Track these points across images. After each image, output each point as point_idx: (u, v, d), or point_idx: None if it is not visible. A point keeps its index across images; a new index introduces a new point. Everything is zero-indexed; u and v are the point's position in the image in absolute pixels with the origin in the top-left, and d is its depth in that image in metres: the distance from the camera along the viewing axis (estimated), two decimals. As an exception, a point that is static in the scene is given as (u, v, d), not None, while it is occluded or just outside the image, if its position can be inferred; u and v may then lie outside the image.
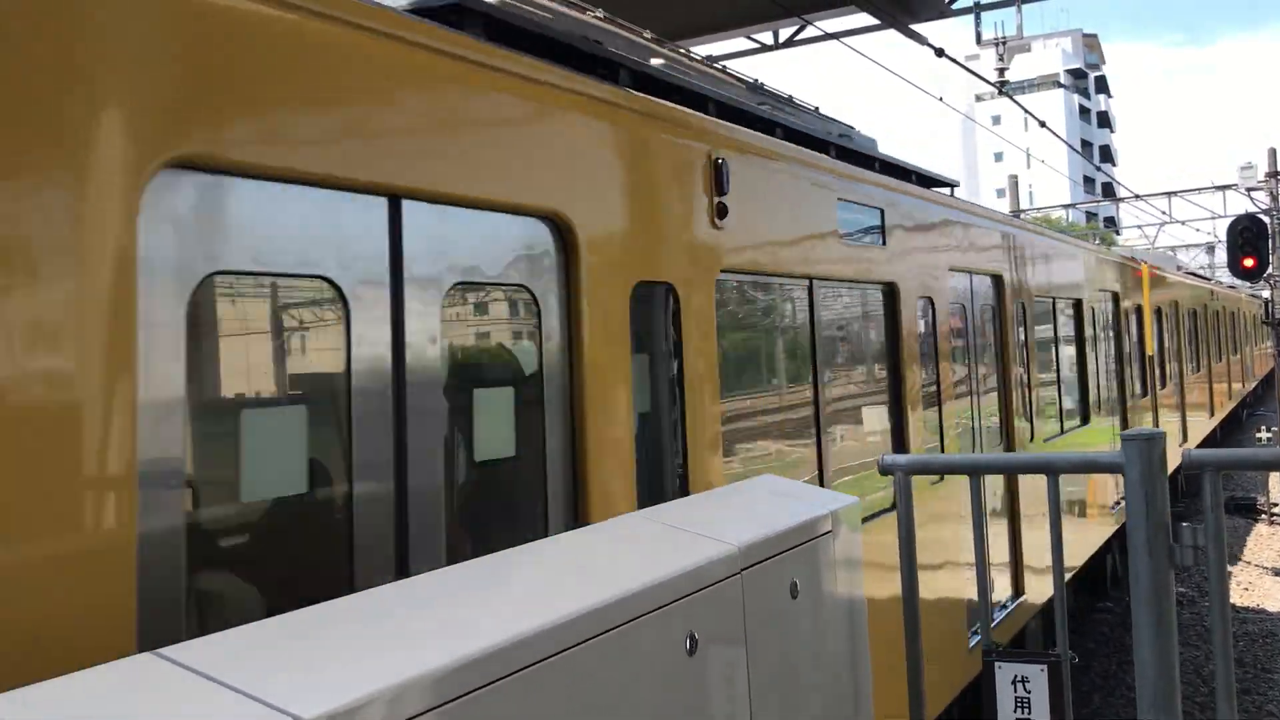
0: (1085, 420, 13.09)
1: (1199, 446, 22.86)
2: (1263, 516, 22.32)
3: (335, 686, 1.97)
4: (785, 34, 15.83)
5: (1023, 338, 10.64)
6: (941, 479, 7.31)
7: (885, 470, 4.15)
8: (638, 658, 2.77)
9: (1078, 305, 13.20)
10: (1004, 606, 9.24)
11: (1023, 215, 33.10)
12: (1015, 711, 3.92)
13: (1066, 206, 46.19)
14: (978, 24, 16.87)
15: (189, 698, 1.90)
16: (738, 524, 3.56)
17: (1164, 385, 19.03)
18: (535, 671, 2.37)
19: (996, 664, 3.93)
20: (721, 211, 5.41)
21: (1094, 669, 12.94)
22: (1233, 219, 22.86)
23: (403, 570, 3.45)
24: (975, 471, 4.06)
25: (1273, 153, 28.86)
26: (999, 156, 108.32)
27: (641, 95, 4.99)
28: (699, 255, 5.20)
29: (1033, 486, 9.68)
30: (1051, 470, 3.98)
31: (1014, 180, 40.17)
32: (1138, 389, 16.64)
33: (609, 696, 2.63)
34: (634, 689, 2.74)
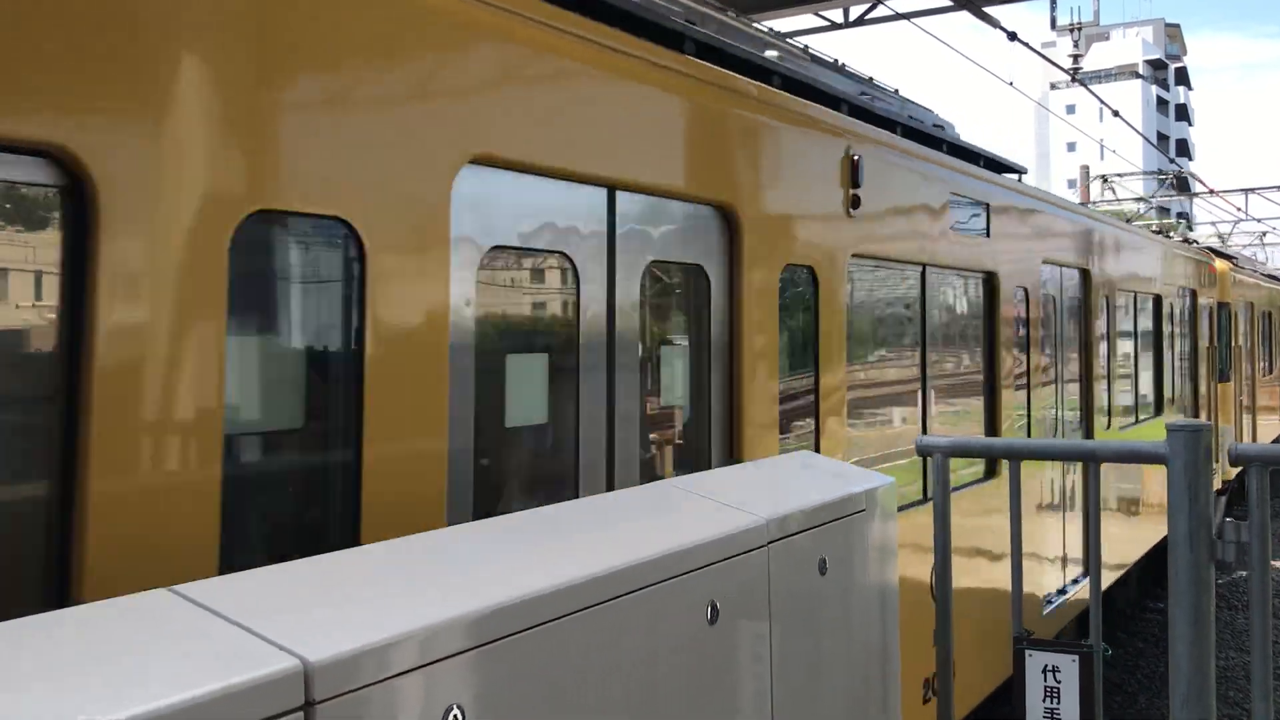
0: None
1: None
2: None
3: (344, 631, 1.99)
4: (855, 12, 15.62)
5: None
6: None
7: (923, 451, 4.10)
8: (658, 622, 2.76)
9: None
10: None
11: (1092, 206, 32.39)
12: (1044, 700, 3.86)
13: (1139, 200, 45.23)
14: (1053, 8, 16.61)
15: (196, 632, 1.92)
16: (769, 497, 3.53)
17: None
18: (554, 627, 2.37)
19: (1027, 651, 3.87)
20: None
21: (1142, 669, 12.73)
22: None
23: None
24: (1014, 456, 3.99)
25: (1356, 151, 28.08)
26: (1072, 146, 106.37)
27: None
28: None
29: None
30: (1094, 458, 3.90)
31: (1085, 170, 39.41)
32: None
33: (627, 657, 2.63)
34: (653, 652, 2.73)
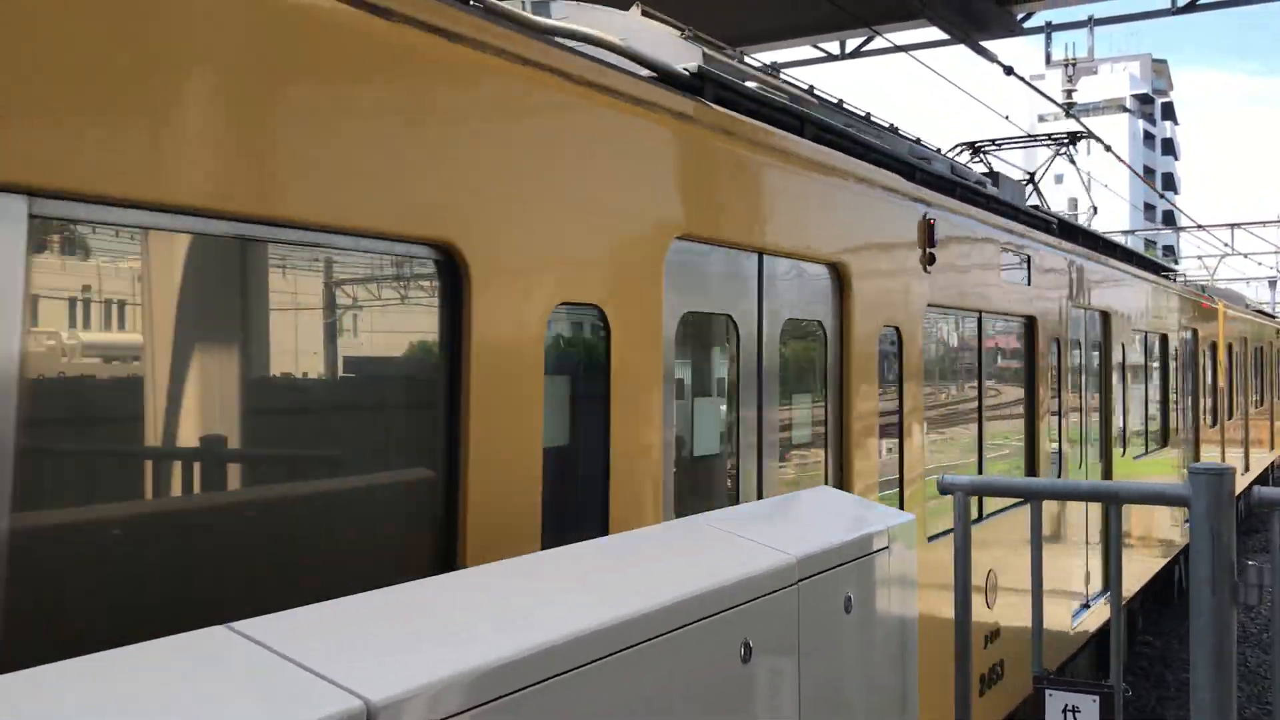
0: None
1: (1259, 479, 23.39)
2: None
3: (404, 671, 1.98)
4: (852, 44, 15.75)
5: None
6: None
7: (945, 490, 4.11)
8: (694, 662, 2.76)
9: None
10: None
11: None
12: (1064, 741, 3.87)
13: (1126, 233, 45.54)
14: (1048, 44, 16.72)
15: (257, 673, 1.91)
16: (795, 535, 3.54)
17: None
18: (590, 671, 2.37)
19: (1048, 691, 3.88)
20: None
21: (1134, 703, 12.75)
22: (1298, 254, 22.59)
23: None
24: (1035, 496, 4.01)
25: (1343, 189, 28.36)
26: (1059, 179, 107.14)
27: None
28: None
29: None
30: (1116, 500, 3.92)
31: (1074, 202, 39.66)
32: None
33: (664, 699, 2.63)
34: (688, 693, 2.73)
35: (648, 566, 2.99)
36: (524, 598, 2.57)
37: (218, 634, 2.05)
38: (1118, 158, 20.92)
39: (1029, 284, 9.08)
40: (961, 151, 16.25)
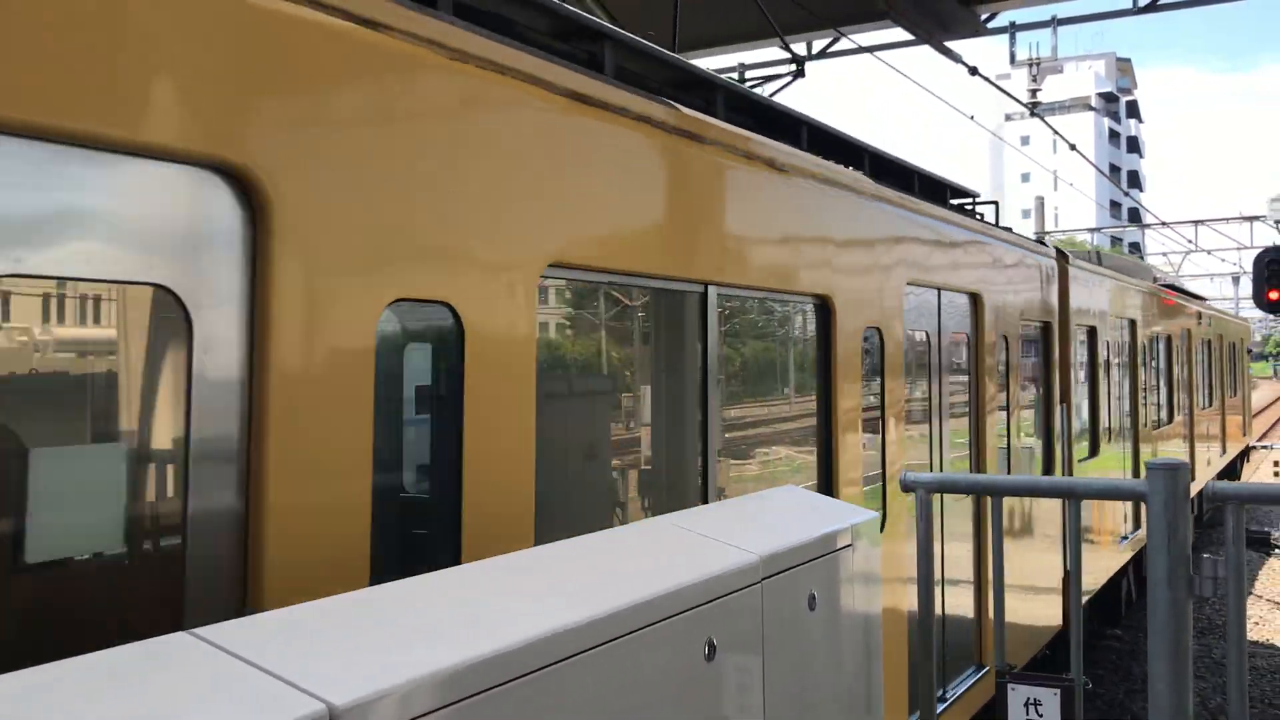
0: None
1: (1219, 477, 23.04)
2: (1276, 551, 22.19)
3: (367, 674, 2.00)
4: (818, 45, 15.82)
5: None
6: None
7: (907, 487, 4.16)
8: (658, 662, 2.79)
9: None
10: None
11: (1048, 238, 32.33)
12: (1026, 734, 3.92)
13: (1092, 230, 45.99)
14: (1012, 43, 16.84)
15: (220, 678, 1.93)
16: (760, 534, 3.58)
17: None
18: (557, 670, 2.40)
19: (1010, 686, 3.93)
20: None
21: (1101, 696, 12.88)
22: (1260, 251, 22.76)
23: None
24: (995, 493, 4.07)
25: (1303, 186, 28.66)
26: (1026, 177, 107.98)
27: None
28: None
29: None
30: (1073, 495, 3.98)
31: (1040, 201, 40.04)
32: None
33: (628, 699, 2.66)
34: (653, 693, 2.76)
35: (612, 567, 3.02)
36: (489, 599, 2.59)
37: (181, 640, 2.06)
38: (1083, 156, 21.12)
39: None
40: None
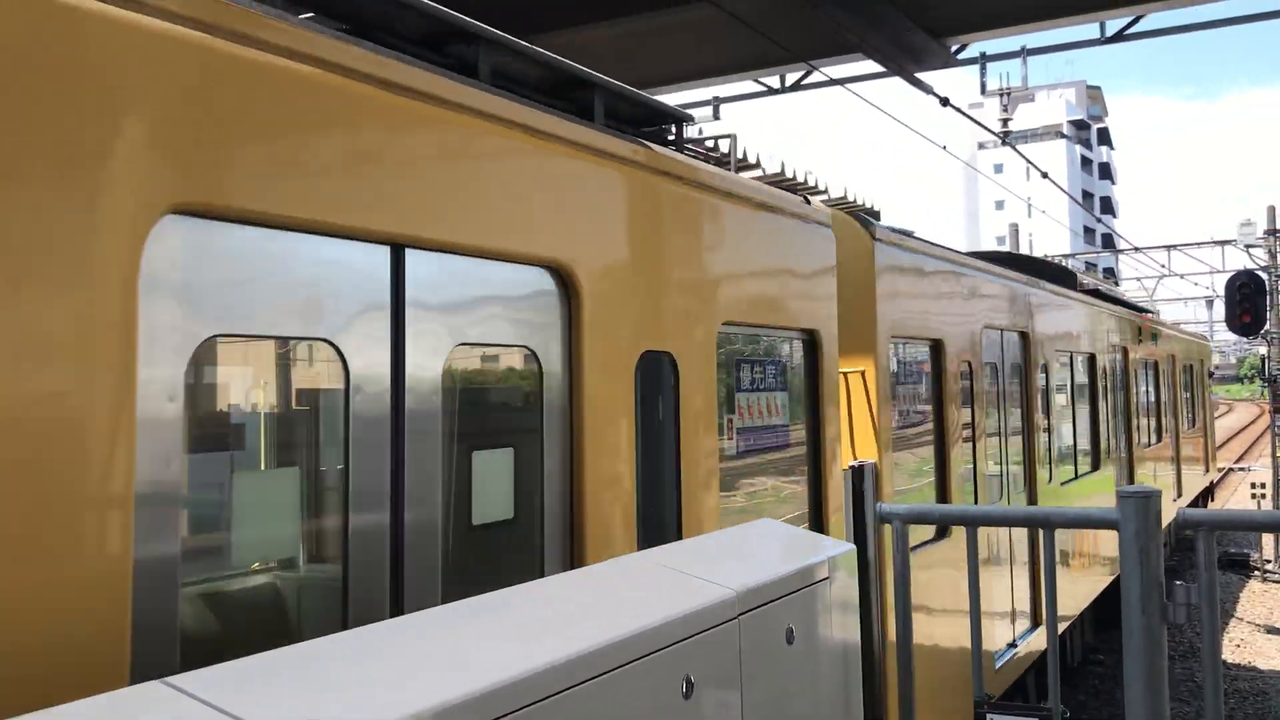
0: (1159, 439, 18.43)
1: (1193, 504, 22.21)
2: (1255, 573, 22.30)
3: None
4: (792, 78, 15.99)
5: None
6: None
7: (883, 519, 4.19)
8: (635, 700, 2.79)
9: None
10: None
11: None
12: (1006, 764, 3.93)
13: (1066, 256, 46.39)
14: (983, 74, 17.03)
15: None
16: (737, 569, 3.59)
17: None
18: (534, 711, 2.40)
19: (989, 716, 3.95)
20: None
21: (1085, 722, 12.89)
22: (1231, 275, 23.00)
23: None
24: (969, 523, 4.09)
25: (1271, 210, 29.05)
26: (1000, 204, 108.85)
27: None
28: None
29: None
30: (1047, 524, 4.01)
31: (1014, 228, 40.44)
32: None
33: (606, 737, 2.66)
34: (631, 730, 2.76)
35: (589, 605, 3.02)
36: (465, 641, 2.59)
37: (152, 689, 2.06)
38: (1055, 184, 21.34)
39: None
40: None
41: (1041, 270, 14.12)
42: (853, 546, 4.13)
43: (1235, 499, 31.01)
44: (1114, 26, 13.29)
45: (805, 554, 3.92)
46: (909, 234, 8.46)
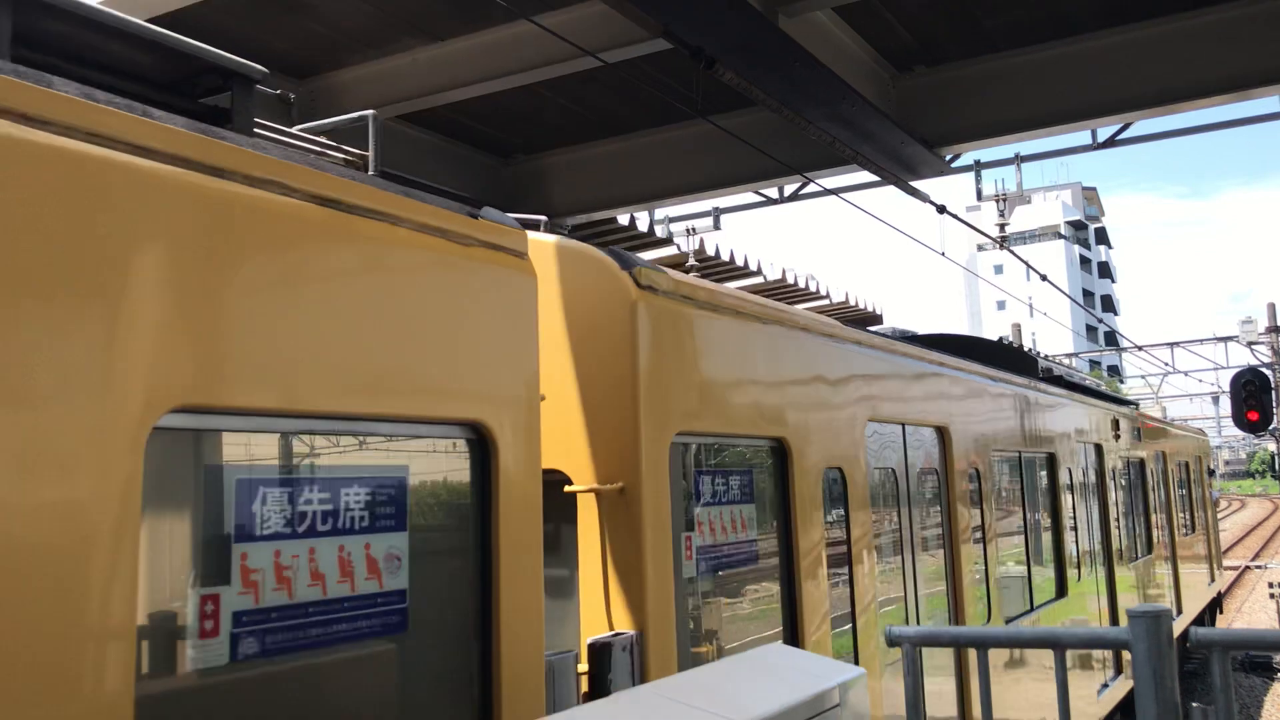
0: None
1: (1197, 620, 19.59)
2: (1279, 676, 21.84)
3: None
4: (790, 189, 16.24)
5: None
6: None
7: (893, 641, 4.13)
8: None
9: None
10: None
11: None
12: None
13: (1070, 355, 46.52)
14: (978, 181, 17.31)
15: None
16: (744, 700, 3.53)
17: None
18: None
19: (1008, 846, 3.83)
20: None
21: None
22: (1236, 371, 23.03)
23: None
24: (982, 645, 4.04)
25: (1272, 308, 29.23)
26: (1001, 305, 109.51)
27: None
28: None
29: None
30: (1059, 645, 3.95)
31: (1017, 328, 40.63)
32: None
33: None
34: None
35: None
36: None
37: None
38: (1055, 286, 21.51)
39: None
40: None
41: (994, 355, 12.04)
42: (863, 671, 4.06)
43: (1253, 599, 30.51)
44: (1105, 133, 13.54)
45: (814, 681, 3.86)
46: (720, 286, 5.63)
